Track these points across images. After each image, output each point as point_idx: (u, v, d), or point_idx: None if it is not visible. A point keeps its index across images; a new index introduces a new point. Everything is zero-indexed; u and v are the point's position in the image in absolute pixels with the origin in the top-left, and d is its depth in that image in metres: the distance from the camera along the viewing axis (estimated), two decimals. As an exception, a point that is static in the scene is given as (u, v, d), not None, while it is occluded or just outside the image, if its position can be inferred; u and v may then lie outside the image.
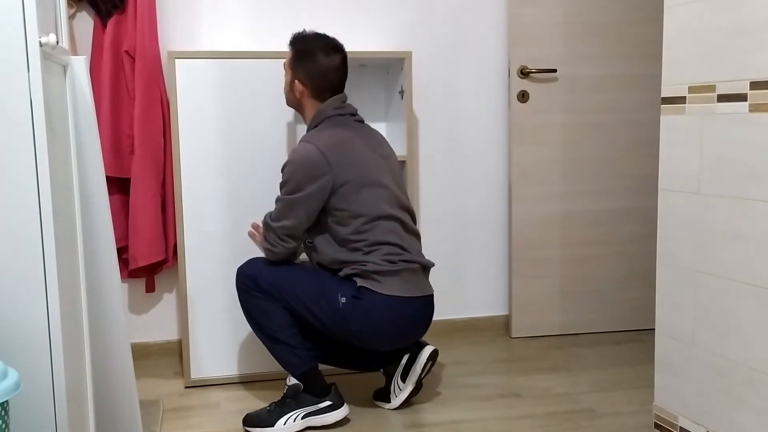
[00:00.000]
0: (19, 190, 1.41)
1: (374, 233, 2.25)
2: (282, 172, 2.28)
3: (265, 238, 2.32)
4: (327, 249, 2.29)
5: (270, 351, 2.34)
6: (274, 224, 2.28)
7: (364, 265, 2.23)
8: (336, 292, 2.24)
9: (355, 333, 2.24)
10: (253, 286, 2.30)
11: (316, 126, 2.34)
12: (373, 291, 2.22)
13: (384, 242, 2.26)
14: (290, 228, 2.27)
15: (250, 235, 2.57)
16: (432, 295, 2.35)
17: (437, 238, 3.18)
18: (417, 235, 2.37)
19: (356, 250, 2.25)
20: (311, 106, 2.37)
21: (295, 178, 2.23)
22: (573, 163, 3.14)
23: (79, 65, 1.80)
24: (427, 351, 2.40)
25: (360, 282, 2.23)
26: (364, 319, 2.22)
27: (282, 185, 2.27)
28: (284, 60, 2.43)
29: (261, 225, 2.57)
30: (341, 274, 2.26)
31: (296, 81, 2.35)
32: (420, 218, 3.12)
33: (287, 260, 2.35)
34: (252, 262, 2.36)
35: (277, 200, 2.29)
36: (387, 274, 2.23)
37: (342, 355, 2.46)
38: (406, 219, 2.33)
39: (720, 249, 1.95)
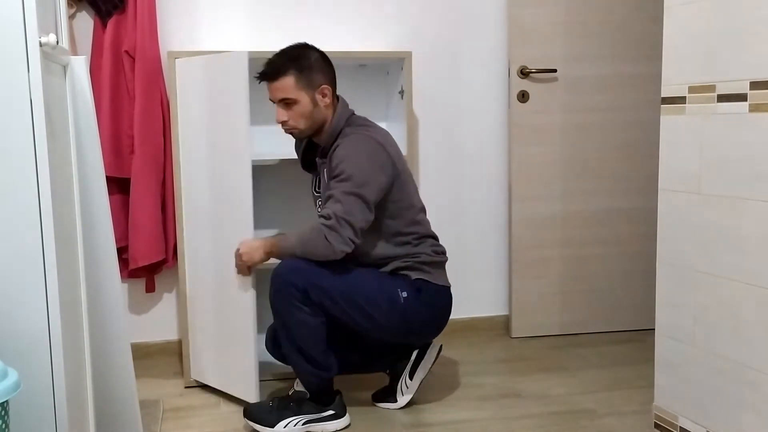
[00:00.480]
0: (19, 189, 1.41)
1: (422, 225, 2.31)
2: (336, 167, 2.15)
3: (331, 237, 2.09)
4: (370, 248, 2.25)
5: (289, 357, 2.23)
6: (351, 218, 2.09)
7: (417, 257, 2.25)
8: (395, 288, 2.22)
9: (410, 326, 2.25)
10: (302, 298, 2.13)
11: (343, 128, 2.24)
12: (429, 282, 2.25)
13: (428, 235, 2.32)
14: (368, 222, 2.15)
15: (238, 255, 2.29)
16: None
17: (437, 238, 3.17)
18: None
19: (405, 243, 2.26)
20: (331, 109, 2.26)
21: (363, 171, 2.13)
22: (573, 163, 3.14)
23: (79, 65, 1.80)
24: (436, 345, 2.45)
25: (414, 275, 2.24)
26: (425, 311, 2.25)
27: (345, 179, 2.13)
28: (280, 97, 2.22)
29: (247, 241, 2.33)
30: (387, 269, 2.25)
31: (321, 89, 2.20)
32: (420, 218, 3.12)
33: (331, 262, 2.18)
34: (299, 270, 2.14)
35: (338, 197, 2.12)
36: (436, 265, 2.29)
37: (357, 362, 2.43)
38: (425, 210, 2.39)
39: (720, 249, 1.95)
